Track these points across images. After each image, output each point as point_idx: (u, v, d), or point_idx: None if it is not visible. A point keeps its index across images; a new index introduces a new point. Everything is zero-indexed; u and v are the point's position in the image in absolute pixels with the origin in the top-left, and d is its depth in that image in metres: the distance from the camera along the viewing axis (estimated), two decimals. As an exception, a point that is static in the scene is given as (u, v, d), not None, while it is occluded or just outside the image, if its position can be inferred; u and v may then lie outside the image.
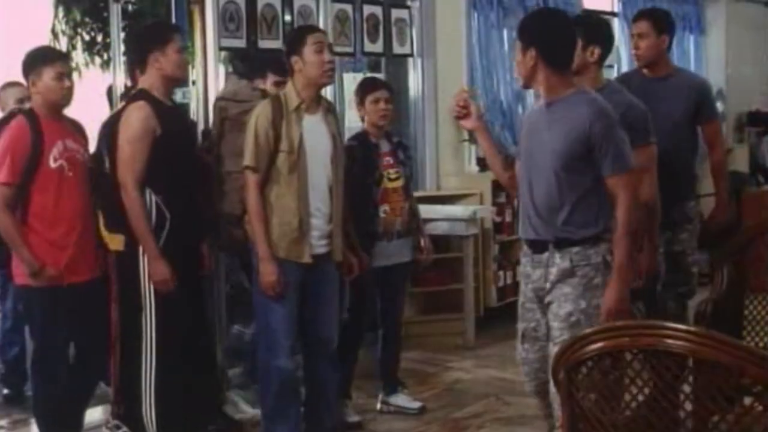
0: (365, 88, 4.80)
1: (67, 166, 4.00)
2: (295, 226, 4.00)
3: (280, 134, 3.99)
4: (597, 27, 4.02)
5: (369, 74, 6.26)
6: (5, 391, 5.15)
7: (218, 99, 4.73)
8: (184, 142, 4.14)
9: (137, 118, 3.94)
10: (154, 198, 3.97)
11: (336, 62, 4.41)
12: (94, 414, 4.64)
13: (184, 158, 4.08)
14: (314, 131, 4.08)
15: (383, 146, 4.76)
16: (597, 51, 3.84)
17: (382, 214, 4.67)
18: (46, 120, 4.01)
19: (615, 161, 3.26)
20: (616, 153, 3.26)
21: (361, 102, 4.76)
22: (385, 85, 4.91)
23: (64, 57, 4.27)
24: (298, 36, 4.17)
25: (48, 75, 3.97)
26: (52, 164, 3.97)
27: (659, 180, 3.91)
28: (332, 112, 4.27)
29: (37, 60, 4.02)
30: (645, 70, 4.61)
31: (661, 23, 4.58)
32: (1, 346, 5.21)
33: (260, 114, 4.02)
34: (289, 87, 4.10)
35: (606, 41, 3.94)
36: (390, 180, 4.73)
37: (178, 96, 5.02)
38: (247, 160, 4.01)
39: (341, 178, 4.18)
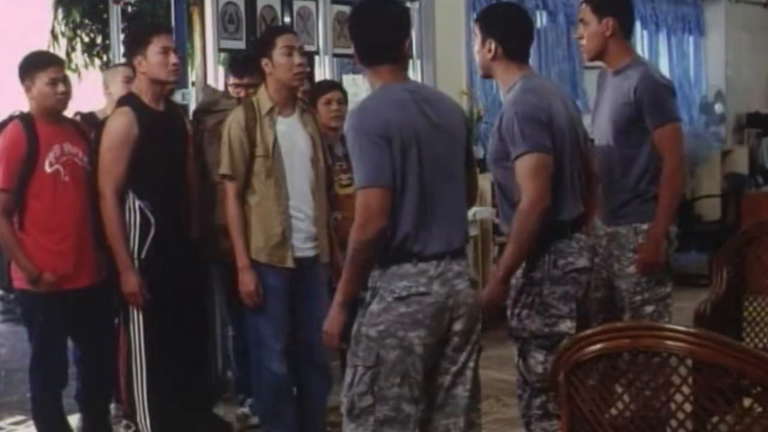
0: (317, 91, 4.73)
1: (63, 170, 3.98)
2: (277, 231, 3.97)
3: (254, 139, 3.95)
4: (490, 18, 3.45)
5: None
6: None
7: (194, 111, 4.73)
8: (171, 148, 4.05)
9: (118, 124, 3.90)
10: (138, 203, 3.92)
11: (334, 63, 4.39)
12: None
13: (171, 164, 4.02)
14: (291, 133, 4.03)
15: (337, 149, 4.66)
16: (493, 45, 3.33)
17: (332, 222, 4.47)
18: (42, 124, 3.99)
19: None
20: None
21: (313, 104, 4.68)
22: (338, 86, 4.83)
23: (59, 62, 4.21)
24: (267, 38, 4.11)
25: (41, 81, 3.94)
26: (48, 169, 3.95)
27: (613, 200, 3.64)
28: (309, 112, 4.21)
29: (31, 65, 4.00)
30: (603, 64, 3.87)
31: (604, 5, 3.77)
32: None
33: (233, 121, 3.99)
34: (261, 91, 4.05)
35: (506, 31, 3.35)
36: (342, 186, 4.63)
37: (177, 97, 5.00)
38: (224, 168, 3.98)
39: (323, 179, 4.14)
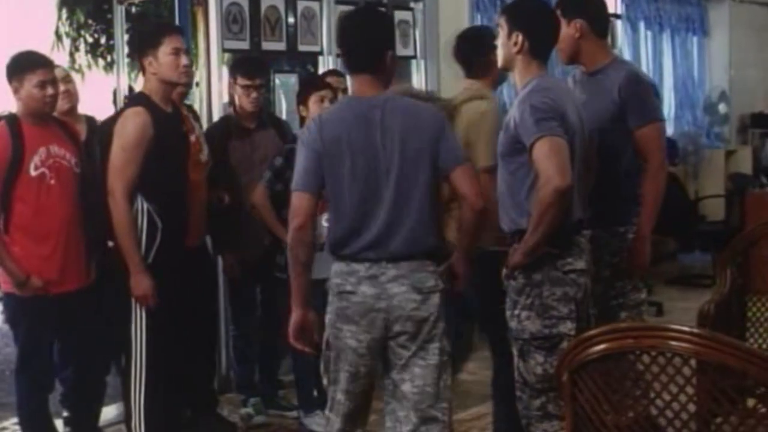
0: (308, 87, 4.59)
1: (49, 174, 3.90)
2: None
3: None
4: (520, 11, 3.40)
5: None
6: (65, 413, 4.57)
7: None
8: (178, 150, 3.99)
9: (134, 124, 3.80)
10: (146, 205, 3.84)
11: (338, 64, 4.37)
12: (111, 412, 4.68)
13: (177, 167, 3.96)
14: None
15: None
16: (520, 39, 3.29)
17: (324, 224, 4.04)
18: (28, 125, 3.92)
19: None
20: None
21: (303, 102, 4.50)
22: (329, 84, 4.70)
23: (48, 64, 4.07)
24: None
25: (30, 82, 3.87)
26: (33, 172, 3.87)
27: (593, 201, 3.49)
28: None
29: (19, 66, 3.92)
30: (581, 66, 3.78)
31: (571, 6, 3.68)
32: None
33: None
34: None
35: (535, 27, 3.32)
36: None
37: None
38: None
39: None
